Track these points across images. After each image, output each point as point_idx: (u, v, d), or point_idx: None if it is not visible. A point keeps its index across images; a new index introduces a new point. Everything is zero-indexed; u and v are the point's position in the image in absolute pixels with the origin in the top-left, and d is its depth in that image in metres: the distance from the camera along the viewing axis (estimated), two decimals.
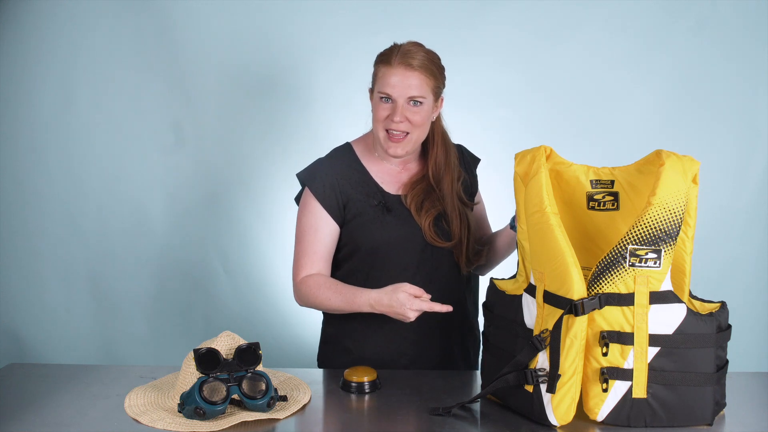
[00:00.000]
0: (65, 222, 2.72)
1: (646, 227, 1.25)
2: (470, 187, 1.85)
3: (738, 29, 2.55)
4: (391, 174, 1.79)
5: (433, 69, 1.69)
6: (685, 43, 2.56)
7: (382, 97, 1.68)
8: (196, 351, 1.38)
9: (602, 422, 1.32)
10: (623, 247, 1.26)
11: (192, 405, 1.32)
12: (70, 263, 2.73)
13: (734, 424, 1.35)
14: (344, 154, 1.81)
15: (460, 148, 1.89)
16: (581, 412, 1.33)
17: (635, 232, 1.26)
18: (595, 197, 1.42)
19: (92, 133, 2.68)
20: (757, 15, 2.54)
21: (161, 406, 1.40)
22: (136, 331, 2.76)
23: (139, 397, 1.44)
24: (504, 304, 1.44)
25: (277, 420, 1.36)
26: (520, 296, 1.40)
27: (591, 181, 1.42)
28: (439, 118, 1.78)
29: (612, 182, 1.41)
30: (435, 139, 1.78)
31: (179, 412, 1.36)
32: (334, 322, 1.82)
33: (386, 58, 1.68)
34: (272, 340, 2.60)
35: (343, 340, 1.79)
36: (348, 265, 1.77)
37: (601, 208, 1.42)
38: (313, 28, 2.61)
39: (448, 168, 1.77)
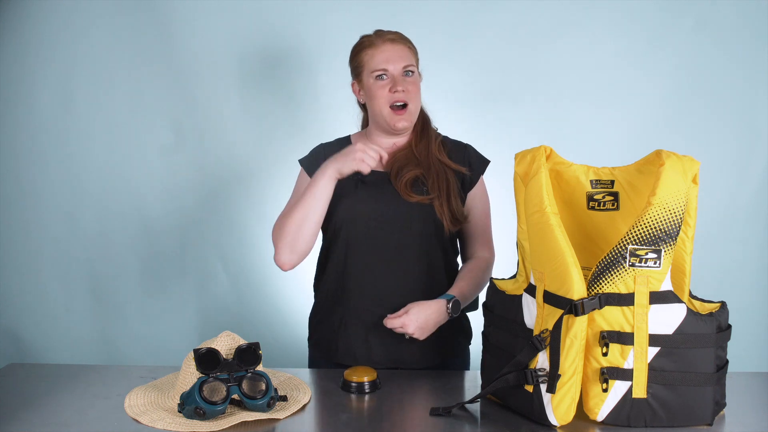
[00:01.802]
0: (65, 222, 2.72)
1: (646, 227, 1.25)
2: (467, 181, 1.82)
3: (738, 29, 2.55)
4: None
5: (410, 43, 1.81)
6: (686, 43, 2.56)
7: (378, 76, 1.75)
8: (196, 351, 1.38)
9: (602, 422, 1.32)
10: (623, 247, 1.26)
11: (192, 405, 1.32)
12: (70, 263, 2.74)
13: (734, 424, 1.35)
14: (341, 141, 1.93)
15: (467, 147, 1.89)
16: (581, 412, 1.33)
17: (635, 232, 1.26)
18: (595, 197, 1.42)
19: (92, 133, 2.68)
20: (757, 15, 2.54)
21: (161, 406, 1.40)
22: (136, 331, 2.76)
23: (139, 397, 1.44)
24: (504, 304, 1.44)
25: (277, 420, 1.36)
26: (520, 296, 1.40)
27: (591, 181, 1.42)
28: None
29: (612, 182, 1.41)
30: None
31: (179, 412, 1.36)
32: (320, 326, 1.84)
33: (367, 43, 1.79)
34: (272, 340, 2.60)
35: (331, 342, 1.79)
36: (326, 240, 1.83)
37: (601, 208, 1.42)
38: (313, 29, 2.61)
39: (425, 133, 1.84)
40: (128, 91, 2.67)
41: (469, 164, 1.83)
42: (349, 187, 1.76)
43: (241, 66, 2.65)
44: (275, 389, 1.39)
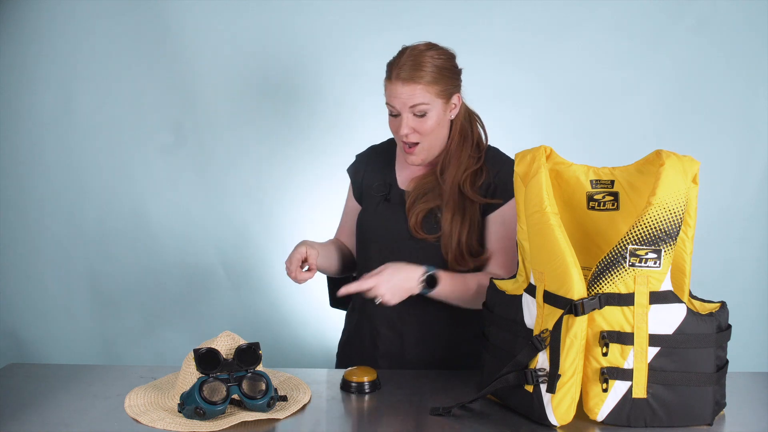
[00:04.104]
0: (65, 222, 2.72)
1: (646, 227, 1.25)
2: (492, 190, 1.71)
3: (738, 29, 2.55)
4: (411, 171, 1.81)
5: (437, 75, 1.64)
6: (685, 43, 2.56)
7: (390, 112, 1.70)
8: (196, 351, 1.38)
9: (602, 422, 1.32)
10: (623, 247, 1.26)
11: (192, 405, 1.32)
12: (70, 263, 2.74)
13: (734, 424, 1.35)
14: (389, 144, 1.90)
15: (501, 168, 1.73)
16: (581, 412, 1.33)
17: (635, 232, 1.26)
18: (595, 197, 1.42)
19: (92, 133, 2.69)
20: (757, 15, 2.54)
21: (161, 406, 1.40)
22: (136, 331, 2.76)
23: (139, 397, 1.44)
24: (504, 304, 1.44)
25: (277, 420, 1.36)
26: (520, 296, 1.40)
27: (591, 181, 1.42)
28: (459, 114, 1.75)
29: (612, 182, 1.41)
30: (452, 135, 1.75)
31: (179, 412, 1.36)
32: (350, 324, 1.89)
33: (389, 71, 1.67)
34: (272, 340, 2.60)
35: (361, 339, 1.83)
36: (358, 247, 1.85)
37: (601, 208, 1.42)
38: (315, 28, 2.61)
39: (456, 158, 1.72)
40: (128, 91, 2.67)
41: (495, 188, 1.71)
42: (374, 202, 1.81)
43: (242, 66, 2.65)
44: (275, 389, 1.39)
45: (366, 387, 1.50)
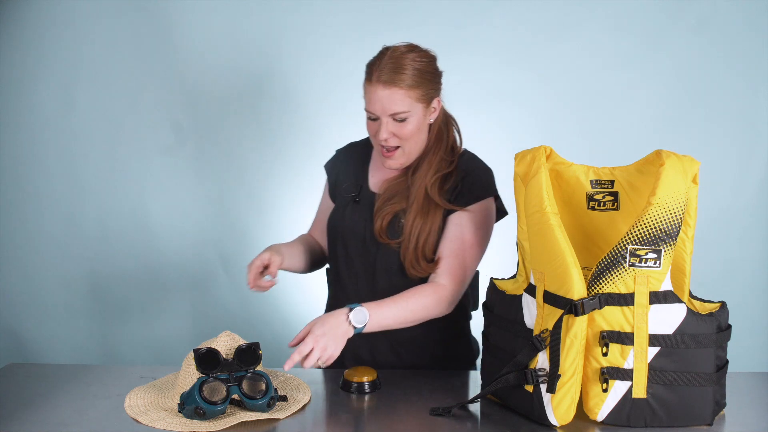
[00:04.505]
0: (65, 222, 2.72)
1: (646, 227, 1.25)
2: (457, 193, 1.67)
3: (738, 29, 2.55)
4: (384, 172, 1.77)
5: (418, 78, 1.59)
6: (686, 43, 2.56)
7: (368, 116, 1.63)
8: (196, 351, 1.38)
9: (602, 422, 1.32)
10: (623, 247, 1.26)
11: (192, 405, 1.32)
12: (69, 263, 2.74)
13: (734, 424, 1.35)
14: (364, 147, 1.86)
15: (471, 173, 1.69)
16: (581, 412, 1.33)
17: (635, 232, 1.26)
18: (595, 197, 1.42)
19: (92, 133, 2.69)
20: (757, 15, 2.54)
21: (161, 406, 1.40)
22: (136, 331, 2.76)
23: (139, 397, 1.44)
24: (504, 304, 1.44)
25: (277, 420, 1.36)
26: (520, 296, 1.40)
27: (591, 181, 1.42)
28: (438, 118, 1.70)
29: (612, 182, 1.41)
30: (428, 138, 1.70)
31: (179, 412, 1.36)
32: None
33: (368, 73, 1.61)
34: (272, 340, 2.59)
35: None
36: (328, 246, 1.83)
37: (601, 208, 1.42)
38: (312, 29, 2.61)
39: (428, 161, 1.67)
40: (128, 91, 2.67)
41: (459, 192, 1.67)
42: (343, 202, 1.78)
43: (242, 66, 2.65)
44: (275, 389, 1.39)
45: (366, 387, 1.50)
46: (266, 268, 1.67)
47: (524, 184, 1.38)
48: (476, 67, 2.60)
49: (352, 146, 1.90)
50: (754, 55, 2.55)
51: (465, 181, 1.67)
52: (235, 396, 1.36)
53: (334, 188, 1.85)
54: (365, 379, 1.50)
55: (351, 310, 1.48)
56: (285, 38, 2.63)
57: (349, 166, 1.84)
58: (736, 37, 2.55)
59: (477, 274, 1.91)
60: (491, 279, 1.52)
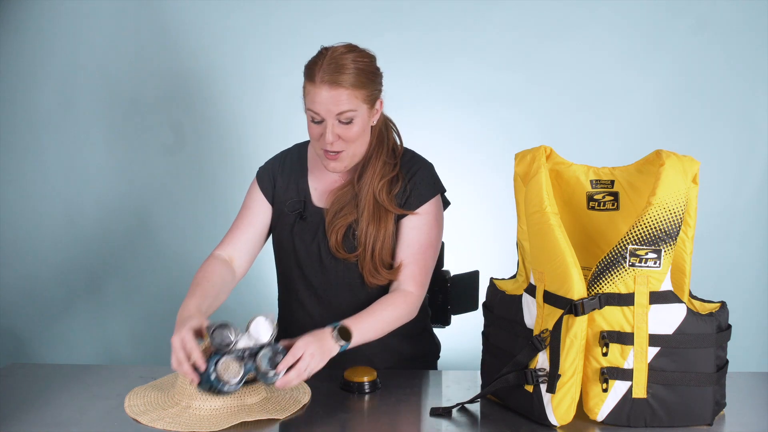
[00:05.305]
0: (65, 222, 2.72)
1: (646, 227, 1.25)
2: (407, 196, 1.65)
3: (738, 29, 2.55)
4: (326, 183, 1.72)
5: (362, 79, 1.55)
6: (686, 43, 2.57)
7: (311, 118, 1.57)
8: (209, 328, 1.36)
9: (602, 422, 1.32)
10: (623, 247, 1.26)
11: (207, 383, 1.31)
12: (69, 263, 2.74)
13: (734, 424, 1.35)
14: (298, 153, 1.79)
15: (418, 172, 1.67)
16: (581, 412, 1.33)
17: (635, 232, 1.26)
18: (595, 197, 1.42)
19: (92, 133, 2.69)
20: (757, 15, 2.54)
21: (161, 406, 1.40)
22: (136, 331, 2.76)
23: (139, 397, 1.44)
24: (504, 304, 1.44)
25: (277, 420, 1.36)
26: (520, 296, 1.40)
27: (591, 181, 1.42)
28: (378, 120, 1.67)
29: (612, 182, 1.41)
30: (370, 141, 1.66)
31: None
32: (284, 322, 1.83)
33: (311, 73, 1.55)
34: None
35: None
36: (277, 265, 1.79)
37: (601, 208, 1.42)
38: (314, 28, 2.61)
39: (372, 166, 1.64)
40: (128, 91, 2.67)
41: (409, 195, 1.65)
42: (288, 220, 1.71)
43: (241, 65, 2.65)
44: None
45: (366, 387, 1.50)
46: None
47: (524, 184, 1.38)
48: (476, 67, 2.60)
49: (287, 155, 1.80)
50: (754, 55, 2.55)
51: (413, 182, 1.66)
52: (252, 373, 1.34)
53: (272, 198, 1.75)
54: (365, 379, 1.50)
55: (335, 328, 1.44)
56: (286, 37, 2.63)
57: (287, 178, 1.75)
58: (736, 37, 2.55)
59: (477, 274, 1.91)
60: (491, 279, 1.52)
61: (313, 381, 1.55)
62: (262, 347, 1.37)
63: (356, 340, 1.48)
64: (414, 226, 1.64)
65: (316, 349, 1.39)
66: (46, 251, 2.74)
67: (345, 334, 1.45)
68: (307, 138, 1.84)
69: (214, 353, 1.35)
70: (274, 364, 1.35)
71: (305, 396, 1.47)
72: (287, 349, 1.38)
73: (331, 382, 1.56)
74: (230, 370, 1.33)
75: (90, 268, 2.74)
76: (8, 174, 2.71)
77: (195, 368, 1.33)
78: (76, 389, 1.51)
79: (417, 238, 1.63)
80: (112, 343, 2.77)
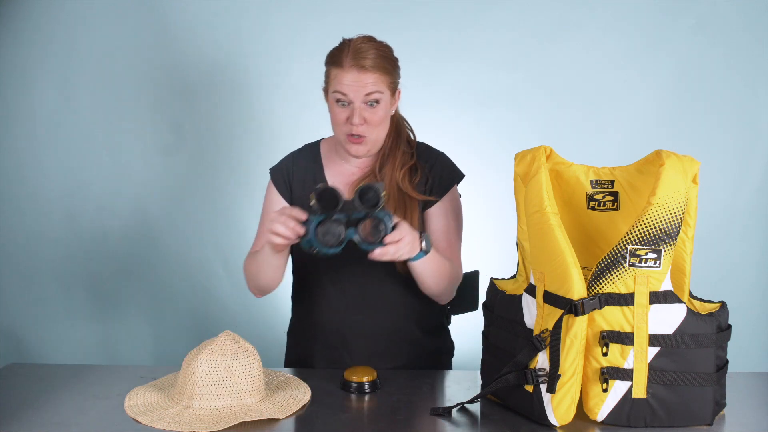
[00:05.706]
0: (65, 222, 2.72)
1: (646, 227, 1.25)
2: (430, 185, 1.72)
3: (738, 29, 2.55)
4: (344, 176, 1.75)
5: (387, 65, 1.63)
6: (686, 43, 2.57)
7: (338, 100, 1.63)
8: (316, 189, 1.35)
9: (602, 422, 1.32)
10: (623, 247, 1.26)
11: (307, 244, 1.30)
12: (69, 263, 2.74)
13: (734, 424, 1.35)
14: (310, 150, 1.83)
15: (437, 160, 1.75)
16: (581, 412, 1.33)
17: (635, 232, 1.26)
18: (595, 197, 1.42)
19: (92, 133, 2.69)
20: (757, 15, 2.54)
21: (161, 406, 1.40)
22: (136, 331, 2.76)
23: (139, 397, 1.44)
24: (504, 304, 1.44)
25: (277, 420, 1.36)
26: (520, 296, 1.40)
27: (591, 181, 1.42)
28: (396, 111, 1.73)
29: (612, 182, 1.41)
30: (389, 131, 1.71)
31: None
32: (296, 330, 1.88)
33: (337, 59, 1.62)
34: (273, 340, 2.60)
35: (308, 342, 1.81)
36: (295, 263, 1.81)
37: (601, 208, 1.42)
38: (313, 28, 2.61)
39: (392, 155, 1.71)
40: (128, 91, 2.67)
41: (432, 183, 1.72)
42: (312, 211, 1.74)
43: (241, 65, 2.65)
44: (393, 226, 1.38)
45: (366, 387, 1.50)
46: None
47: (524, 184, 1.38)
48: (477, 67, 2.60)
49: (299, 153, 1.83)
50: (754, 55, 2.56)
51: (434, 172, 1.73)
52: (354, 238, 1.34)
53: (290, 196, 1.78)
54: (365, 379, 1.50)
55: (422, 233, 1.52)
56: (286, 37, 2.63)
57: (302, 174, 1.78)
58: (736, 37, 2.55)
59: (477, 274, 1.91)
60: (491, 279, 1.52)
61: (313, 381, 1.56)
62: (367, 214, 1.35)
63: (430, 258, 1.55)
64: (441, 213, 1.72)
65: (412, 240, 1.47)
66: (46, 251, 2.74)
67: (428, 245, 1.52)
68: (308, 138, 1.85)
69: (318, 214, 1.32)
70: (377, 233, 1.34)
71: (305, 396, 1.47)
72: (392, 221, 1.42)
73: (331, 382, 1.56)
74: (331, 232, 1.31)
75: (90, 268, 2.74)
76: (8, 174, 2.71)
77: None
78: (76, 389, 1.51)
79: (447, 224, 1.72)
80: (112, 343, 2.77)
